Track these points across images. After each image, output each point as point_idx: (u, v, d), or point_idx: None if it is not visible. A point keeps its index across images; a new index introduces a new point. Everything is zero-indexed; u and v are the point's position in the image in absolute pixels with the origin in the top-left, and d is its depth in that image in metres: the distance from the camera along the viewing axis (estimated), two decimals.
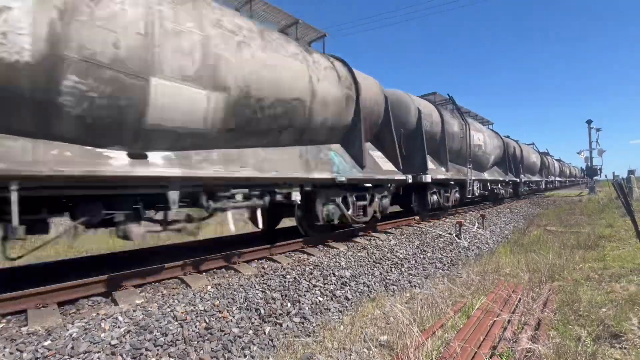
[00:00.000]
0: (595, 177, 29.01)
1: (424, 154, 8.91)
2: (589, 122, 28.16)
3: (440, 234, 8.13)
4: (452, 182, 10.65)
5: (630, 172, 25.59)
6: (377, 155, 7.43)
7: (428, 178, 8.64)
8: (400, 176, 7.45)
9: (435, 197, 9.81)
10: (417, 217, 9.61)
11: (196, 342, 3.03)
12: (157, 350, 2.85)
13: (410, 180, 7.92)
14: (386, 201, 7.40)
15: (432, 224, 9.28)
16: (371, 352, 3.07)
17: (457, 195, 11.14)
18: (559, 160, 37.73)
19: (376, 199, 7.10)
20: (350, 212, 6.42)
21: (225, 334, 3.22)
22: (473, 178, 11.71)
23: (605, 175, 31.95)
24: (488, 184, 13.92)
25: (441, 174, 9.74)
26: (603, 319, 3.54)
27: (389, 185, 7.54)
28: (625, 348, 3.04)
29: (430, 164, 9.31)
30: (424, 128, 9.17)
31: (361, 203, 6.71)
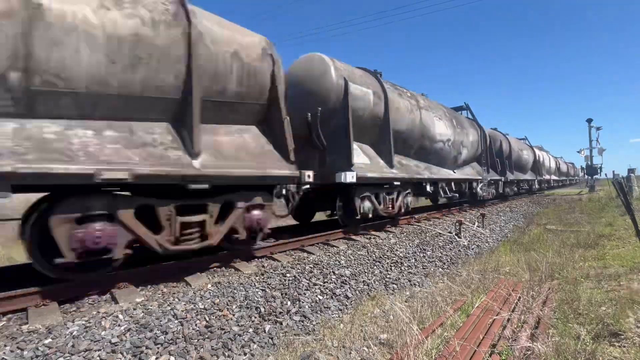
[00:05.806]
0: (596, 176, 29.06)
1: (348, 142, 6.45)
2: (589, 120, 28.23)
3: (440, 233, 8.13)
4: (397, 183, 7.75)
5: (630, 170, 25.60)
6: (247, 140, 4.64)
7: (350, 177, 6.14)
8: (279, 172, 4.71)
9: (367, 204, 6.91)
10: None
11: (196, 340, 3.04)
12: (158, 348, 2.86)
13: (310, 179, 5.46)
14: (260, 214, 4.72)
15: (432, 222, 9.27)
16: (371, 350, 3.08)
17: (409, 198, 8.46)
18: (555, 157, 33.71)
19: (237, 210, 4.50)
20: (164, 235, 3.87)
21: (225, 332, 3.23)
22: (432, 177, 9.18)
23: (606, 174, 31.98)
24: (458, 184, 11.32)
25: (377, 171, 7.06)
26: (602, 318, 3.55)
27: (274, 186, 5.13)
28: (624, 346, 3.05)
29: (364, 157, 6.97)
30: (353, 106, 6.61)
31: (194, 219, 4.07)
